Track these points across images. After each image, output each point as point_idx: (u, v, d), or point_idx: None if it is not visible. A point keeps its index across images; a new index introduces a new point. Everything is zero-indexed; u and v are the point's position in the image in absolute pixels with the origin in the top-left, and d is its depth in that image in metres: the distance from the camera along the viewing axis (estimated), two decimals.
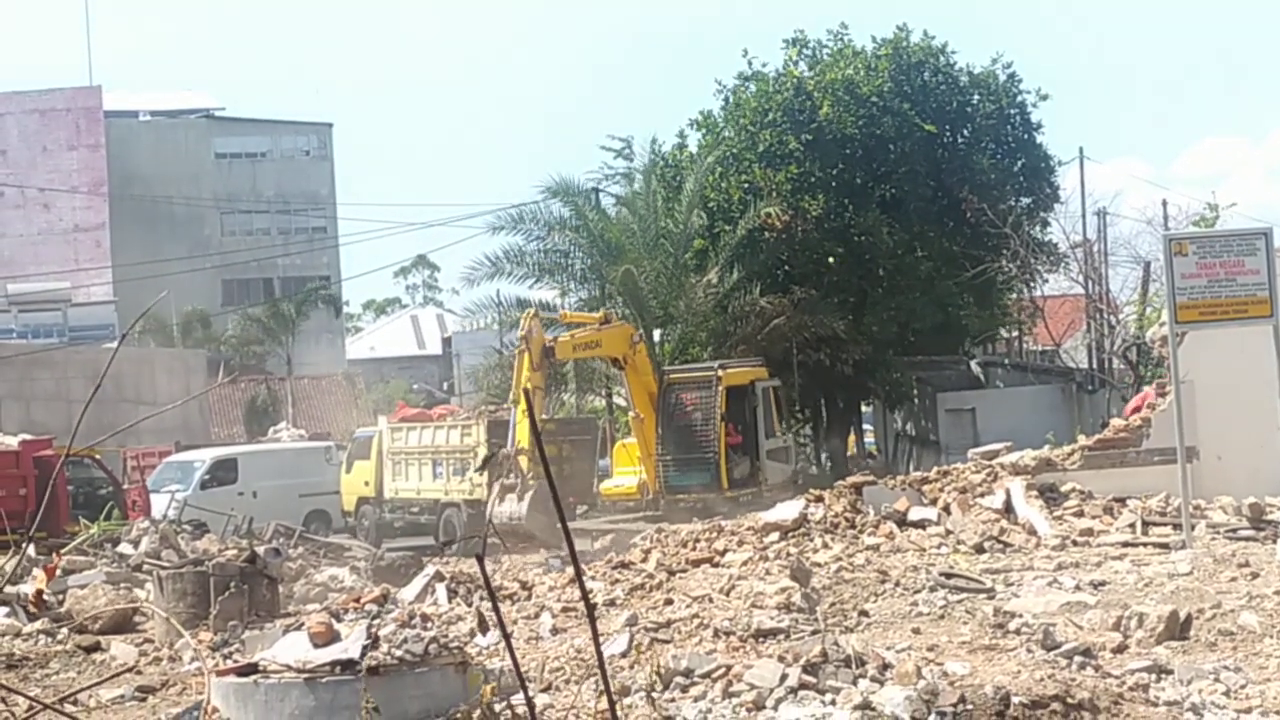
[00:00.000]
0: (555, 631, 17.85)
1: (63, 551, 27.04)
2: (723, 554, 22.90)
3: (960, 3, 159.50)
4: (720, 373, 35.85)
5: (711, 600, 18.78)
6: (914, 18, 75.83)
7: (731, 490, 34.54)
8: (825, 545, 23.18)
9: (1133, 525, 23.78)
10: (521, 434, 32.77)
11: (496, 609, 3.61)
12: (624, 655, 15.56)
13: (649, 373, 35.69)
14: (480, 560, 3.37)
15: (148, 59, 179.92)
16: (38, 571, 24.34)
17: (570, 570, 22.14)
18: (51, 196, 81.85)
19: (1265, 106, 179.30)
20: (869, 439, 52.87)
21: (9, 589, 22.85)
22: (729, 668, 13.95)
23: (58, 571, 25.09)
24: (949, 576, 19.80)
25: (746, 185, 44.01)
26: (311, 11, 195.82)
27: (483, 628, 12.46)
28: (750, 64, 46.76)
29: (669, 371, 36.73)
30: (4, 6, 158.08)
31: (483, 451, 38.48)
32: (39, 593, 21.01)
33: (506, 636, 3.46)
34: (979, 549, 22.48)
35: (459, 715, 9.41)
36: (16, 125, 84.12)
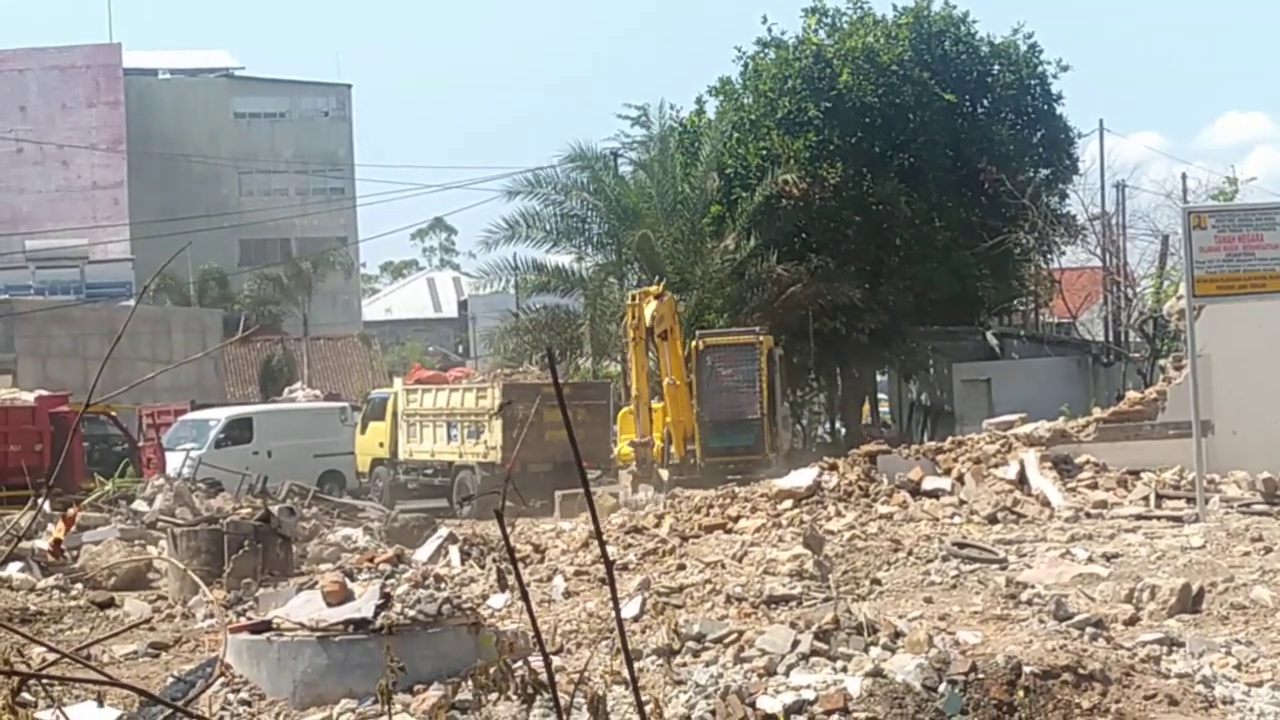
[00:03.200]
0: (568, 595, 17.89)
1: (77, 511, 27.10)
2: (736, 520, 22.93)
3: None
4: (762, 338, 35.86)
5: (724, 566, 18.80)
6: None
7: (772, 453, 34.58)
8: (839, 513, 23.21)
9: (1146, 498, 23.78)
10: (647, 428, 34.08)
11: (515, 566, 3.60)
12: (636, 619, 15.59)
13: (679, 339, 35.62)
14: (499, 516, 3.36)
15: (168, 17, 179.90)
16: (51, 527, 24.37)
17: (581, 534, 22.18)
18: (70, 153, 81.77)
19: None
20: (884, 408, 52.86)
21: (23, 544, 22.92)
22: (741, 633, 13.97)
23: (76, 522, 25.14)
24: (962, 546, 19.82)
25: (765, 152, 43.92)
26: None
27: (502, 584, 12.47)
28: (770, 31, 46.67)
29: (703, 336, 36.55)
30: None
31: (497, 419, 38.55)
32: (57, 541, 21.05)
33: (525, 595, 3.46)
34: (992, 519, 22.51)
35: (474, 673, 9.39)
36: (36, 82, 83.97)
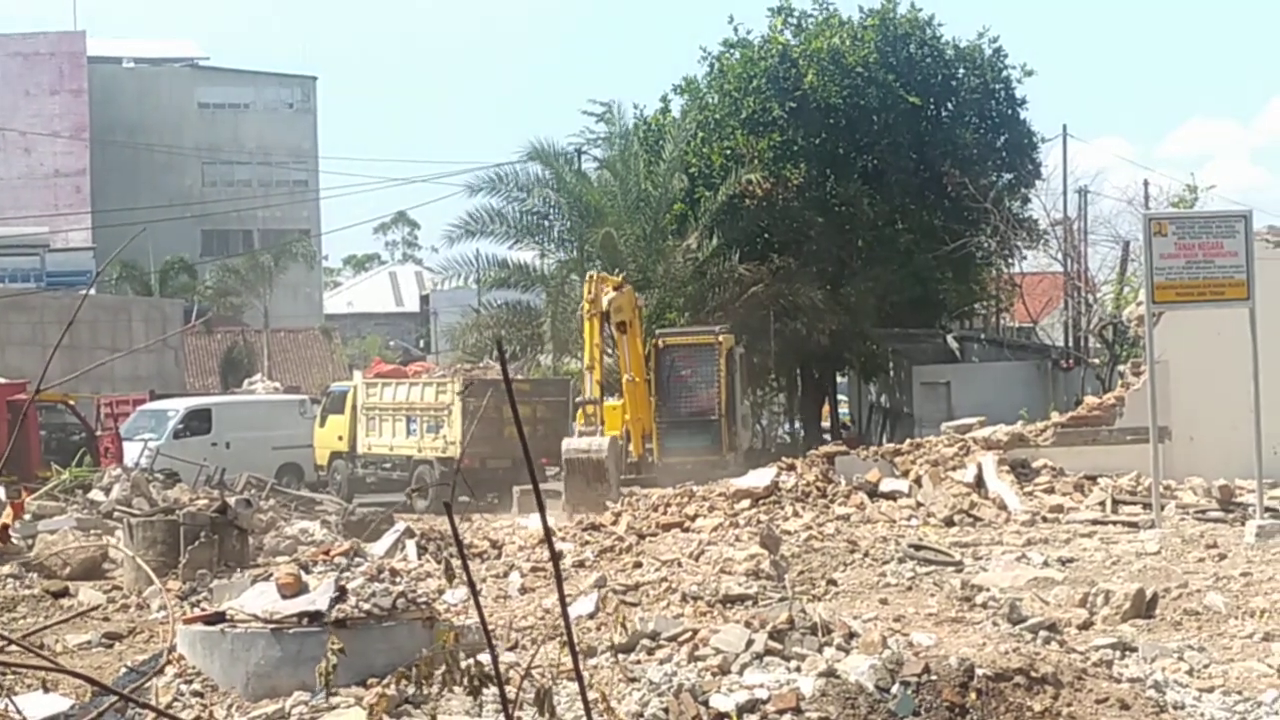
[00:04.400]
0: (524, 591, 17.90)
1: (34, 496, 26.96)
2: (693, 519, 22.96)
3: None
4: (721, 338, 35.79)
5: (680, 564, 18.82)
6: None
7: (729, 454, 34.55)
8: (796, 514, 23.26)
9: (1103, 503, 23.89)
10: (596, 390, 32.84)
11: (465, 561, 3.58)
12: (591, 616, 15.60)
13: (639, 336, 35.50)
14: (449, 509, 3.34)
15: (133, 5, 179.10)
16: (3, 515, 24.24)
17: (538, 530, 22.19)
18: (33, 140, 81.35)
19: (1252, 89, 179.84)
20: (843, 409, 52.94)
21: None
22: (695, 632, 13.99)
23: (25, 508, 25.03)
24: (918, 548, 19.87)
25: (729, 151, 43.92)
26: None
27: (449, 577, 12.42)
28: (735, 30, 46.58)
29: (662, 335, 36.48)
30: None
31: (457, 413, 38.52)
32: (5, 528, 20.95)
33: (474, 591, 3.44)
34: (949, 522, 22.57)
35: (420, 664, 9.37)
36: (0, 67, 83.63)
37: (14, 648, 4.61)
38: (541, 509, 3.66)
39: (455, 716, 11.51)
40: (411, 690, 12.32)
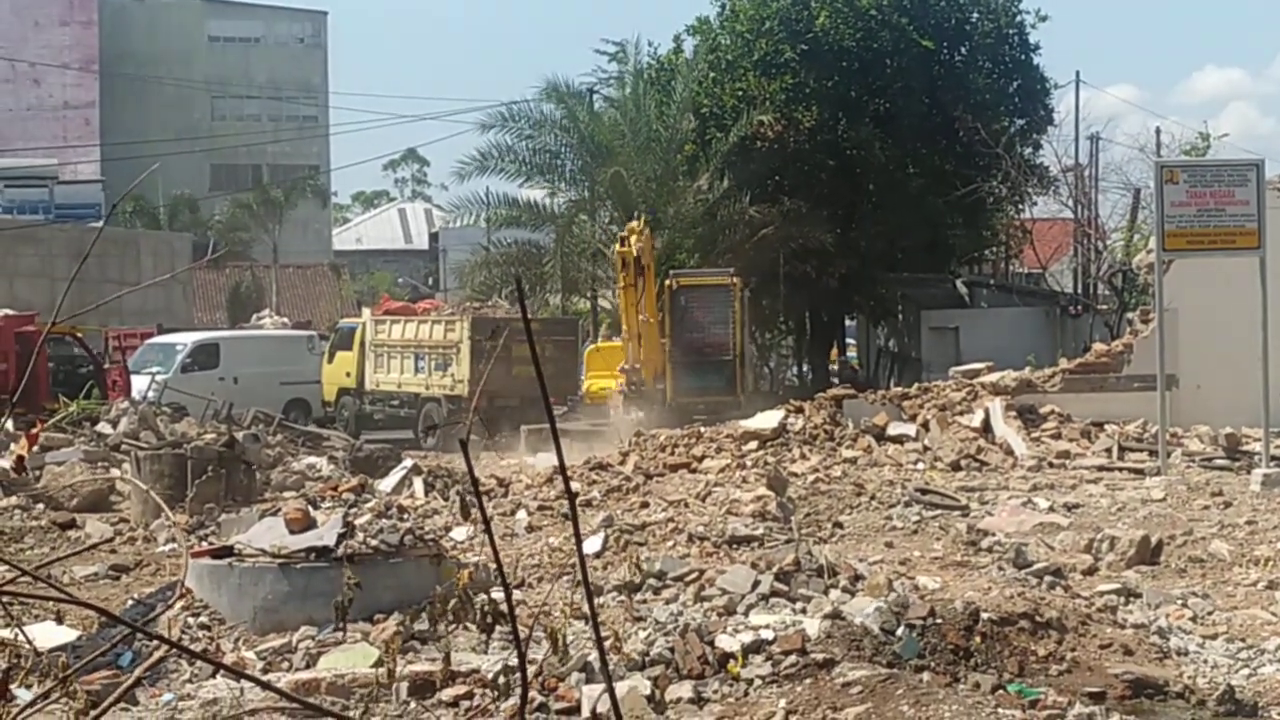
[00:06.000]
0: (530, 529, 17.92)
1: (39, 429, 26.97)
2: (700, 460, 22.96)
3: None
4: (736, 279, 35.78)
5: (687, 505, 18.85)
6: None
7: (742, 394, 34.61)
8: (803, 456, 23.27)
9: (1109, 450, 23.91)
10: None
11: (479, 498, 3.57)
12: (598, 556, 15.65)
13: (653, 277, 35.47)
14: (464, 447, 3.34)
15: None
16: (14, 445, 24.26)
17: (545, 469, 22.19)
18: (42, 72, 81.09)
19: (1265, 38, 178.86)
20: (851, 353, 52.92)
21: None
22: (702, 572, 14.03)
23: (38, 441, 25.05)
24: (924, 493, 19.91)
25: (740, 93, 43.77)
26: None
27: (464, 515, 12.45)
28: None
29: (678, 276, 36.34)
30: None
31: (466, 351, 38.54)
32: (20, 459, 21.00)
33: (488, 527, 3.43)
34: (955, 466, 22.62)
35: (432, 602, 9.40)
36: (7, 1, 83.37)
37: (24, 578, 4.63)
38: (558, 447, 3.66)
39: (462, 653, 11.56)
40: (420, 626, 12.38)
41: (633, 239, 33.89)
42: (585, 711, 10.16)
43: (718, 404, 32.83)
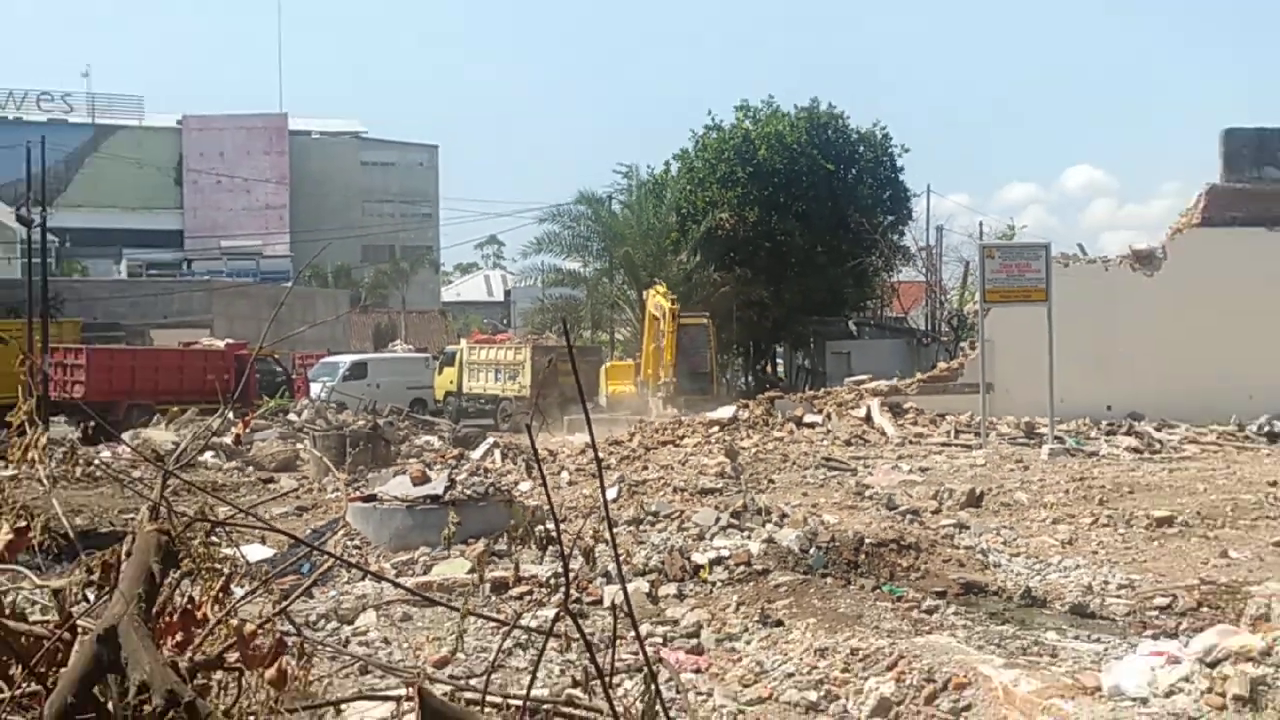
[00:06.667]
0: (570, 483, 17.92)
1: (251, 418, 27.02)
2: (681, 439, 23.00)
3: (854, 81, 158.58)
4: (708, 320, 36.02)
5: (672, 468, 18.84)
6: (823, 91, 75.26)
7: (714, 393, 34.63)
8: (748, 435, 23.30)
9: (949, 432, 23.94)
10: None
11: (538, 463, 3.59)
12: (614, 501, 15.63)
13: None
14: (529, 430, 3.37)
15: (318, 94, 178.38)
16: (234, 428, 24.30)
17: (579, 444, 22.21)
18: (252, 184, 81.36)
19: (1052, 163, 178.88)
20: (780, 369, 52.92)
21: (215, 440, 22.93)
22: (682, 512, 14.02)
23: (250, 425, 25.13)
24: (827, 460, 19.92)
25: (707, 199, 43.82)
26: (430, 73, 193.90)
27: (529, 474, 12.49)
28: (713, 119, 46.50)
29: (680, 317, 36.16)
30: (228, 59, 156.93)
31: (528, 366, 38.64)
32: (238, 436, 20.99)
33: (543, 481, 3.44)
34: (848, 443, 22.61)
35: (508, 531, 9.45)
36: (231, 138, 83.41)
37: (240, 515, 4.65)
38: (590, 430, 3.69)
39: (526, 565, 11.56)
40: (498, 547, 12.38)
41: (660, 298, 34.19)
42: (606, 602, 10.16)
43: (701, 399, 32.84)
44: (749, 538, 12.45)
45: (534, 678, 3.69)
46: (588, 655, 3.22)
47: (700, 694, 8.20)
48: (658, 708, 3.13)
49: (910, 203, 47.53)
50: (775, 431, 23.82)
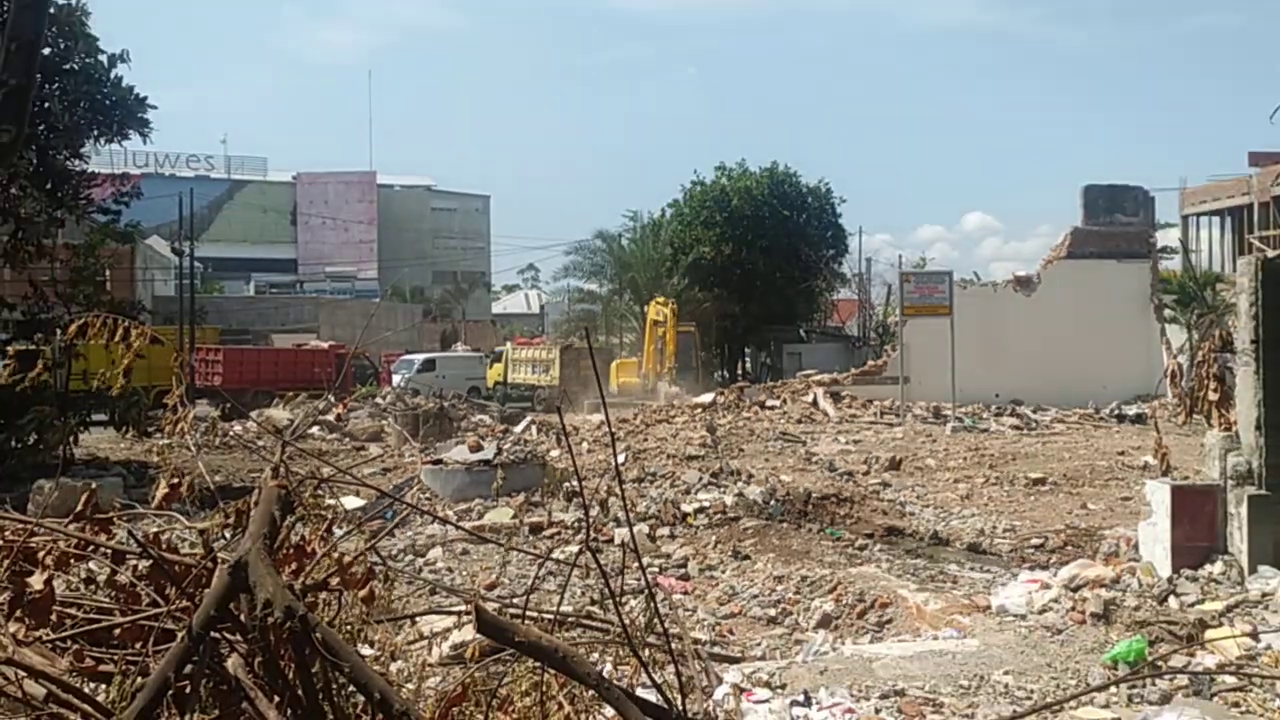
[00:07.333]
0: (589, 451, 17.88)
1: (348, 401, 27.05)
2: (673, 418, 22.97)
3: (807, 148, 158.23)
4: (694, 329, 36.07)
5: (666, 439, 18.83)
6: (781, 155, 75.13)
7: (699, 385, 34.54)
8: (724, 415, 23.24)
9: (876, 414, 23.89)
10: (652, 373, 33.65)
11: (565, 435, 3.58)
12: (623, 464, 15.61)
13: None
14: (559, 411, 3.36)
15: (403, 153, 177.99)
16: (335, 409, 24.29)
17: (596, 421, 22.20)
18: (349, 225, 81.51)
19: (953, 207, 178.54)
20: (748, 365, 52.79)
21: (320, 418, 22.90)
22: (674, 473, 14.01)
23: (347, 406, 25.12)
24: (784, 434, 19.90)
25: (694, 236, 43.76)
26: (485, 136, 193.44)
27: (558, 443, 12.46)
28: (698, 176, 46.27)
29: (676, 326, 36.07)
30: (329, 127, 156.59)
31: (557, 363, 38.58)
32: (338, 415, 20.96)
33: (570, 449, 3.43)
34: (799, 421, 22.59)
35: (542, 487, 9.45)
36: (333, 189, 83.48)
37: (338, 474, 4.64)
38: (606, 412, 3.68)
39: (556, 512, 11.55)
40: (536, 499, 12.37)
41: (661, 306, 34.19)
42: (616, 541, 10.15)
43: (689, 389, 32.81)
44: (724, 493, 12.45)
45: (563, 598, 3.70)
46: (603, 581, 3.22)
47: (687, 610, 8.21)
48: (655, 620, 3.13)
49: (847, 240, 47.30)
50: (744, 413, 23.82)
